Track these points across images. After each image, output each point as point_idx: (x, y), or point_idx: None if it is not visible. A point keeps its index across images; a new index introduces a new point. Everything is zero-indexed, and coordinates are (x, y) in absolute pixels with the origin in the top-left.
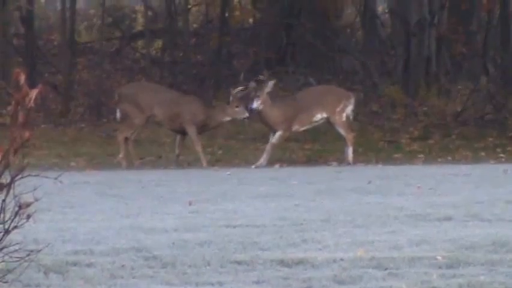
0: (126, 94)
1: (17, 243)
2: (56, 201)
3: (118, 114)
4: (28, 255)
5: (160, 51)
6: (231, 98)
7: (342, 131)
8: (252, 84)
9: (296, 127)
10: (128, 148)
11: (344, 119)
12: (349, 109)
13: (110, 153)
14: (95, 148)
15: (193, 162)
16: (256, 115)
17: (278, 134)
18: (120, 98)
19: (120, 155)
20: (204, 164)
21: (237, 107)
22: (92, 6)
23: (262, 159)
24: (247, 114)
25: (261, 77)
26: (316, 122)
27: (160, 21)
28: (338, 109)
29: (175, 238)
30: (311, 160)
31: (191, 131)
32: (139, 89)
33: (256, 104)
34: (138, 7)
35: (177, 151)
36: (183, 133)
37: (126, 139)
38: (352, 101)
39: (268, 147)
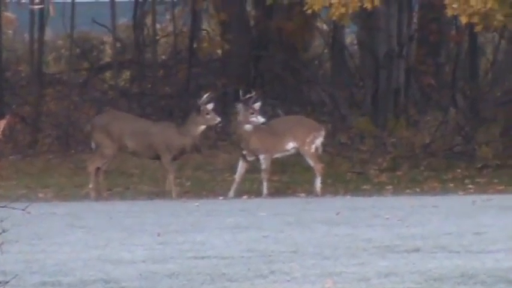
0: (98, 124)
1: None
2: (23, 232)
3: (93, 145)
4: None
5: (129, 83)
6: (201, 108)
7: (310, 162)
8: (239, 105)
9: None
10: (98, 179)
11: (313, 150)
12: (319, 141)
13: (78, 185)
14: (63, 179)
15: (161, 194)
16: (236, 137)
17: (261, 157)
18: (93, 128)
19: (90, 186)
20: (174, 195)
21: (207, 114)
22: (60, 37)
23: (265, 189)
24: (219, 119)
25: (249, 96)
26: (288, 150)
27: (128, 52)
28: (308, 140)
29: (144, 269)
30: (279, 191)
31: (165, 160)
32: (110, 118)
33: (262, 119)
34: (107, 38)
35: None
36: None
37: (97, 169)
38: (323, 133)
39: (262, 175)
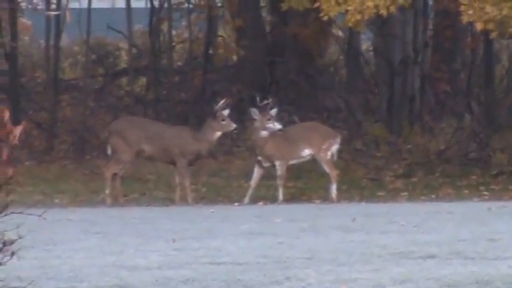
0: (115, 129)
1: (1, 281)
2: (39, 238)
3: (109, 150)
4: None
5: (144, 89)
6: (217, 114)
7: (326, 168)
8: (254, 110)
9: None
10: (114, 184)
11: (329, 157)
12: (335, 148)
13: (94, 190)
14: (78, 185)
15: (176, 200)
16: (251, 143)
17: (277, 164)
18: (110, 134)
19: (107, 191)
20: (190, 200)
21: (223, 120)
22: (76, 43)
23: (280, 195)
24: (234, 126)
25: (266, 102)
26: (303, 157)
27: (144, 58)
28: (324, 147)
29: (159, 276)
30: (294, 198)
31: (181, 164)
32: (127, 124)
33: (278, 125)
34: (122, 44)
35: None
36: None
37: (114, 175)
38: (338, 140)
39: (278, 181)
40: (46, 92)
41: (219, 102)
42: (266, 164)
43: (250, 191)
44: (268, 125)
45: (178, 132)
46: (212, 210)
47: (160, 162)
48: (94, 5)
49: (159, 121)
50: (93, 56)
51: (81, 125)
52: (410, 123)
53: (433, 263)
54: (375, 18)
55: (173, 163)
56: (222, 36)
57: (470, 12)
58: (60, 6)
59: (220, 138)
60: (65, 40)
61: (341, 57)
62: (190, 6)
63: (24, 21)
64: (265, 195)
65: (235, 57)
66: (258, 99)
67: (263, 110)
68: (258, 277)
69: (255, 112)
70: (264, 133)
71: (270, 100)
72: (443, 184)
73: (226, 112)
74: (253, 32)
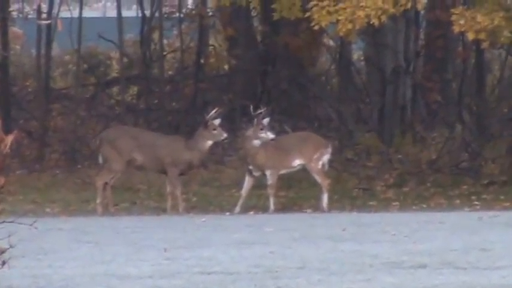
0: (107, 138)
1: None
2: (30, 247)
3: (100, 159)
4: None
5: (136, 98)
6: (208, 123)
7: (317, 178)
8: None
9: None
10: (105, 194)
11: (320, 166)
12: (326, 157)
13: (85, 200)
14: (69, 194)
15: (167, 210)
16: (243, 152)
17: (268, 173)
18: (101, 142)
19: (98, 201)
20: (181, 209)
21: (214, 129)
22: (67, 53)
23: (272, 205)
24: (225, 135)
25: (259, 111)
26: (294, 167)
27: (135, 67)
28: (315, 157)
29: (150, 285)
30: (286, 207)
31: (172, 174)
32: (119, 133)
33: (272, 135)
34: (114, 54)
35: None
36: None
37: (105, 184)
38: (330, 150)
39: (269, 191)
40: (37, 101)
41: (210, 111)
42: (257, 173)
43: (241, 201)
44: (261, 134)
45: (170, 141)
46: (203, 219)
47: (151, 171)
48: (85, 14)
49: (151, 130)
50: (85, 65)
51: (72, 134)
52: (402, 133)
53: (425, 272)
54: (366, 28)
55: (164, 172)
56: (213, 45)
57: (462, 21)
58: (51, 15)
59: (211, 147)
60: (56, 49)
61: (332, 67)
62: (182, 15)
63: (15, 30)
64: (256, 204)
65: (226, 67)
66: (251, 108)
67: (256, 119)
68: (249, 286)
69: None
70: (256, 142)
71: (264, 109)
72: (435, 194)
73: (217, 121)
74: (244, 42)
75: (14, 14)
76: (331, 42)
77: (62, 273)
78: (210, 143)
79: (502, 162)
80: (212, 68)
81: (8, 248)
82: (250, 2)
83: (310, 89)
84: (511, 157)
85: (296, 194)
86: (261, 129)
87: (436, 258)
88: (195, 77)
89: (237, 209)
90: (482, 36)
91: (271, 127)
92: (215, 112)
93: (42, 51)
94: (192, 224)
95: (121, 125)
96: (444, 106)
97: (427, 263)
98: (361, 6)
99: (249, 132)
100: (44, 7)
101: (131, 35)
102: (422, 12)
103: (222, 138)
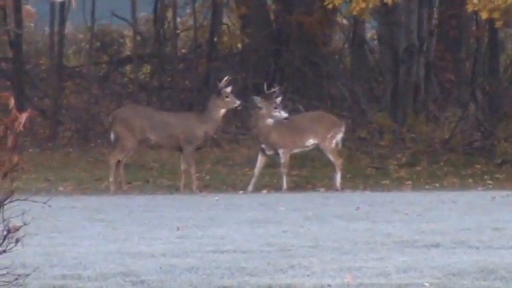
0: (120, 117)
1: (5, 268)
2: (43, 225)
3: (112, 137)
4: (16, 279)
5: (149, 76)
6: (221, 91)
7: (331, 157)
8: (257, 98)
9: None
10: (118, 172)
11: (333, 145)
12: (339, 136)
13: (98, 178)
14: (82, 173)
15: (181, 188)
16: (256, 131)
17: (280, 152)
18: (114, 121)
19: (110, 179)
20: (194, 188)
21: (226, 97)
22: (80, 31)
23: (284, 183)
24: (238, 102)
25: (273, 90)
26: (307, 146)
27: (148, 46)
28: (329, 136)
29: (163, 263)
30: (299, 186)
31: (187, 151)
32: (132, 112)
33: (285, 113)
34: (127, 32)
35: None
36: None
37: (118, 163)
38: (343, 129)
39: (282, 169)
40: (50, 79)
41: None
42: (269, 152)
43: (253, 179)
44: (274, 113)
45: (183, 119)
46: (216, 198)
47: (168, 149)
48: None
49: (163, 109)
50: (98, 44)
51: (85, 112)
52: (415, 112)
53: (438, 251)
54: (380, 7)
55: (180, 150)
56: (226, 24)
57: (476, 1)
58: None
59: (225, 116)
60: (69, 27)
61: (346, 46)
62: None
63: (28, 8)
64: (269, 183)
65: (239, 45)
66: (265, 87)
67: (269, 98)
68: (262, 265)
69: (258, 100)
70: (270, 121)
71: (277, 88)
72: (448, 173)
73: (229, 89)
74: (257, 20)
75: None
76: (345, 21)
77: (75, 251)
78: (223, 111)
79: None
80: (225, 46)
81: (22, 226)
82: None
83: (323, 68)
84: None
85: (309, 173)
86: (275, 108)
87: (449, 238)
88: (208, 56)
89: (250, 187)
90: (495, 15)
91: (283, 106)
92: (226, 80)
93: (56, 29)
94: (205, 203)
95: (134, 103)
96: (457, 85)
97: (439, 242)
98: None
99: (263, 110)
100: None
101: (144, 13)
102: None
103: (235, 105)
